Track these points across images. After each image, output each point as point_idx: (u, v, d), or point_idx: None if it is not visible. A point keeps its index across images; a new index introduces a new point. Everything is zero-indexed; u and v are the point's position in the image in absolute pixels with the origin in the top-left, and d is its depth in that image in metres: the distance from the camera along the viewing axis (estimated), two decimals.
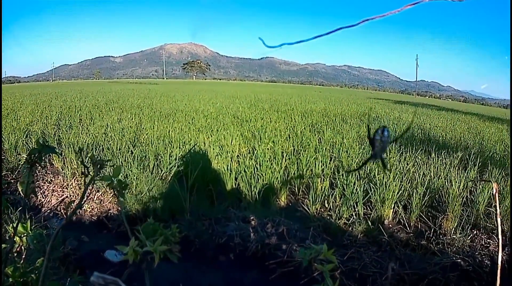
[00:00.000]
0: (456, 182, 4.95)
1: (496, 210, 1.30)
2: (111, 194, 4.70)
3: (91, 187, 4.91)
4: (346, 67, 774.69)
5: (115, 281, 1.15)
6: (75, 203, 4.64)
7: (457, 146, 8.49)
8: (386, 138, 1.24)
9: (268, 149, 6.52)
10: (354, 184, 4.68)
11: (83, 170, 1.62)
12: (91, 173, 1.54)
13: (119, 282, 1.11)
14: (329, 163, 5.78)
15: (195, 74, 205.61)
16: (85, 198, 4.15)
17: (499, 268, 1.46)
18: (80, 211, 4.67)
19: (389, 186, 4.62)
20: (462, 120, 17.32)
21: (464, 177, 5.26)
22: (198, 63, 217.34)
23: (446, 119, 16.22)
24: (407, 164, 5.83)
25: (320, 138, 7.91)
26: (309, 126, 9.87)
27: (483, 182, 5.25)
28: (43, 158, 1.69)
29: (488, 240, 4.28)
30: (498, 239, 1.75)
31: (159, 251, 1.34)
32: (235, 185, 5.11)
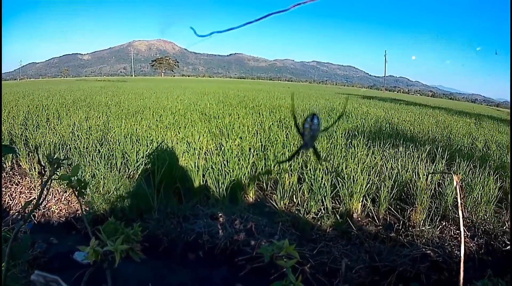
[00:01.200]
0: (424, 175, 5.07)
1: (458, 201, 1.35)
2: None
3: (58, 188, 4.87)
4: (315, 63, 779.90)
5: (55, 279, 1.16)
6: (42, 205, 4.59)
7: (425, 139, 8.70)
8: (316, 126, 1.25)
9: (235, 145, 6.55)
10: (322, 178, 4.75)
11: (39, 170, 1.61)
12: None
13: (59, 281, 1.12)
14: (297, 158, 5.84)
15: (164, 71, 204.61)
16: (42, 199, 4.07)
17: (462, 259, 1.51)
18: (48, 212, 4.61)
19: (357, 180, 4.70)
20: (430, 114, 17.69)
21: (432, 170, 5.40)
22: (167, 59, 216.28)
23: (414, 114, 16.54)
24: (375, 158, 5.94)
25: (288, 133, 7.97)
26: (277, 121, 9.93)
27: (450, 175, 5.40)
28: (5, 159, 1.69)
29: (457, 231, 4.42)
30: (460, 231, 1.80)
31: (120, 250, 1.35)
32: (203, 182, 5.12)
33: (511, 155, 6.95)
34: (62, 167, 1.67)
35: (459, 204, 1.41)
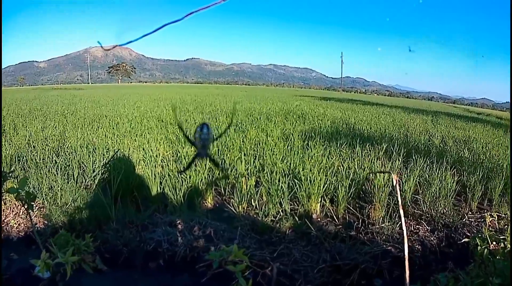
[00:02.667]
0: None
1: (398, 200, 1.39)
2: (37, 207, 4.57)
3: (16, 202, 4.76)
4: (272, 66, 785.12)
5: None
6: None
7: (381, 138, 8.91)
8: (206, 135, 1.31)
9: (192, 150, 6.56)
10: (279, 181, 4.81)
11: None
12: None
13: None
14: (254, 161, 5.90)
15: (121, 78, 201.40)
16: None
17: (406, 258, 1.55)
18: (7, 227, 4.50)
19: (313, 181, 4.78)
20: (387, 113, 18.12)
21: (388, 167, 5.53)
22: (124, 66, 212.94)
23: (371, 113, 16.92)
24: (332, 158, 6.05)
25: (244, 137, 8.02)
26: (233, 126, 9.95)
27: (408, 171, 5.56)
28: None
29: (417, 226, 4.60)
30: (403, 231, 1.86)
31: (71, 262, 1.36)
32: (160, 189, 5.10)
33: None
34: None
35: (399, 203, 1.46)
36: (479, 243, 2.50)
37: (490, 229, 4.41)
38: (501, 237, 2.54)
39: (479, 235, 2.55)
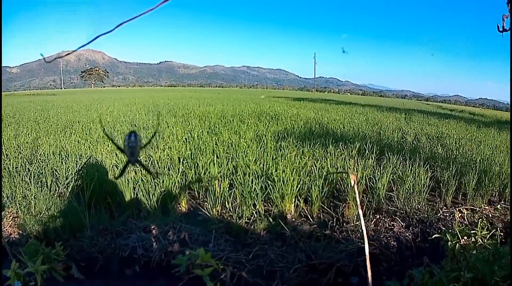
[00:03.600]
0: (355, 171, 5.25)
1: (356, 201, 1.41)
2: (11, 217, 4.50)
3: None
4: (245, 68, 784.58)
5: None
6: None
7: (355, 137, 9.00)
8: (133, 142, 1.36)
9: (164, 155, 6.54)
10: (252, 182, 4.83)
11: None
12: None
13: None
14: (227, 164, 5.91)
15: (94, 82, 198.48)
16: None
17: (367, 259, 1.56)
18: None
19: (286, 181, 4.82)
20: (361, 112, 18.31)
21: (361, 165, 5.60)
22: (96, 70, 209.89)
23: (345, 113, 17.08)
24: (305, 158, 6.09)
25: (217, 140, 8.02)
26: (206, 128, 10.01)
27: (381, 168, 5.63)
28: None
29: (392, 223, 4.64)
30: (362, 231, 1.88)
31: (41, 271, 1.35)
32: (134, 195, 5.07)
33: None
34: None
35: (358, 203, 1.48)
36: (449, 239, 2.54)
37: (466, 223, 4.53)
38: (471, 232, 2.58)
39: (450, 231, 2.59)
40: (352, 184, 1.34)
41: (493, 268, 2.21)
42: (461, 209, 4.97)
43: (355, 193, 1.38)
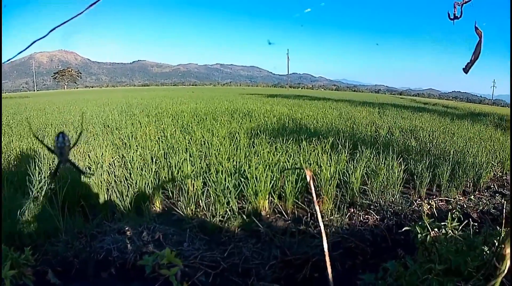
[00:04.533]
0: (327, 166, 5.29)
1: (313, 197, 1.40)
2: None
3: None
4: (218, 66, 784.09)
5: None
6: None
7: (328, 132, 9.06)
8: (62, 143, 1.37)
9: (137, 155, 6.50)
10: (225, 180, 4.84)
11: None
12: None
13: None
14: (200, 162, 5.90)
15: (67, 84, 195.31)
16: None
17: (327, 258, 1.57)
18: None
19: (259, 178, 4.84)
20: (334, 107, 18.48)
21: (335, 161, 5.64)
22: (69, 71, 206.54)
23: (318, 108, 17.20)
24: (278, 154, 6.11)
25: (190, 138, 8.01)
26: (179, 127, 10.00)
27: (355, 163, 5.68)
28: None
29: (366, 216, 4.72)
30: (321, 230, 1.89)
31: (9, 276, 1.33)
32: (107, 196, 5.03)
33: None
34: None
35: (314, 200, 1.48)
36: (419, 231, 2.57)
37: (442, 215, 4.58)
38: (442, 224, 2.60)
39: (420, 223, 2.62)
40: (308, 180, 1.33)
41: (466, 258, 2.25)
42: (430, 201, 5.03)
43: (310, 189, 1.38)
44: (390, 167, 5.60)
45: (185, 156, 5.96)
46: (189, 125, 10.32)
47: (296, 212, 4.90)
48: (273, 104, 19.61)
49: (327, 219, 4.48)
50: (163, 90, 64.19)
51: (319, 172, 5.29)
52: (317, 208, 1.39)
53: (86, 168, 5.88)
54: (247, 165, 5.36)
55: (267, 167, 5.20)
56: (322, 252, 3.77)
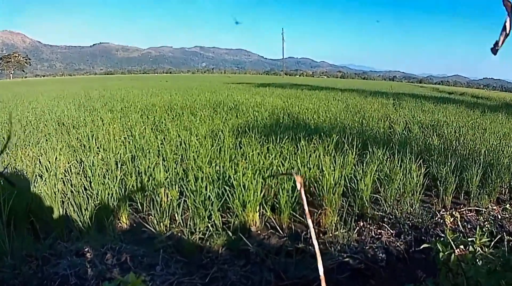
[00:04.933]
0: (331, 170, 5.26)
1: (304, 209, 1.40)
2: None
3: None
4: (198, 49, 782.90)
5: None
6: None
7: (332, 128, 9.03)
8: None
9: (99, 159, 6.46)
10: (206, 189, 4.81)
11: None
12: None
13: None
14: (176, 167, 5.86)
15: (13, 72, 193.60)
16: None
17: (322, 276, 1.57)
18: None
19: (248, 186, 4.80)
20: (339, 98, 18.46)
21: (339, 164, 5.62)
22: (16, 57, 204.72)
23: (320, 100, 17.21)
24: (271, 156, 6.09)
25: (163, 138, 7.98)
26: (150, 125, 9.99)
27: (364, 166, 5.67)
28: None
29: (379, 231, 4.70)
30: (315, 250, 1.89)
31: None
32: (63, 211, 4.99)
33: None
34: None
35: (306, 212, 1.49)
36: (440, 249, 2.54)
37: (469, 226, 4.58)
38: (469, 240, 2.57)
39: (441, 240, 2.58)
40: (298, 188, 1.33)
41: (501, 281, 2.22)
42: (454, 212, 5.02)
43: (302, 200, 1.38)
44: (407, 171, 5.60)
45: (157, 160, 5.93)
46: (162, 122, 10.31)
47: (293, 226, 4.87)
48: (265, 95, 19.59)
49: (331, 234, 4.48)
50: (131, 79, 63.99)
51: (320, 177, 5.27)
52: (309, 221, 1.39)
53: (36, 176, 5.83)
54: (233, 170, 5.33)
55: (258, 172, 5.17)
56: (325, 275, 3.77)
